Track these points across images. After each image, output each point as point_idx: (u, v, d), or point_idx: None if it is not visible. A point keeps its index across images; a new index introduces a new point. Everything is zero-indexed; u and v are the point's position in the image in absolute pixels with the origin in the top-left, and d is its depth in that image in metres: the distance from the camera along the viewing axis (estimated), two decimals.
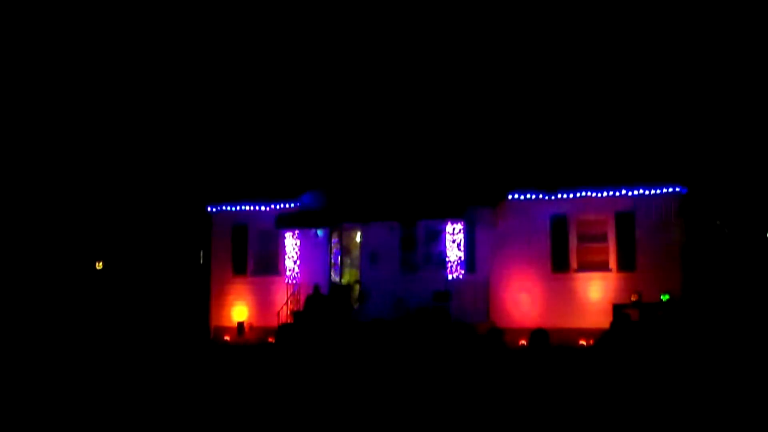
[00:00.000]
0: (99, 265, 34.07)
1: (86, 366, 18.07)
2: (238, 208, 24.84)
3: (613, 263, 21.17)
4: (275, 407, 12.53)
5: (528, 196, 21.82)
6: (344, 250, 23.83)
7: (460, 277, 20.97)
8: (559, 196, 21.61)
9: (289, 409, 12.37)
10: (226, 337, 23.75)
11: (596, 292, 21.08)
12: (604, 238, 21.36)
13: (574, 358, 17.72)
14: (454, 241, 20.95)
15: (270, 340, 22.48)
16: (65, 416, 11.94)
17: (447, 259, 21.03)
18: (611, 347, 18.12)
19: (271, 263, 24.34)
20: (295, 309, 22.45)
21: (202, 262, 29.04)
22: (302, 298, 22.50)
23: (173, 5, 34.59)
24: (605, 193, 21.23)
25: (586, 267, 21.47)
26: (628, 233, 21.02)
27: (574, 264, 21.54)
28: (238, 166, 27.76)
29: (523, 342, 19.61)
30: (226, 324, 24.22)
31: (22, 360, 19.30)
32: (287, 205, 23.97)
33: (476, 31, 29.11)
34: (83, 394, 13.98)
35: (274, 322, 22.74)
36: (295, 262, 22.98)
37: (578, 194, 21.50)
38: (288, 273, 23.05)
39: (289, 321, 22.32)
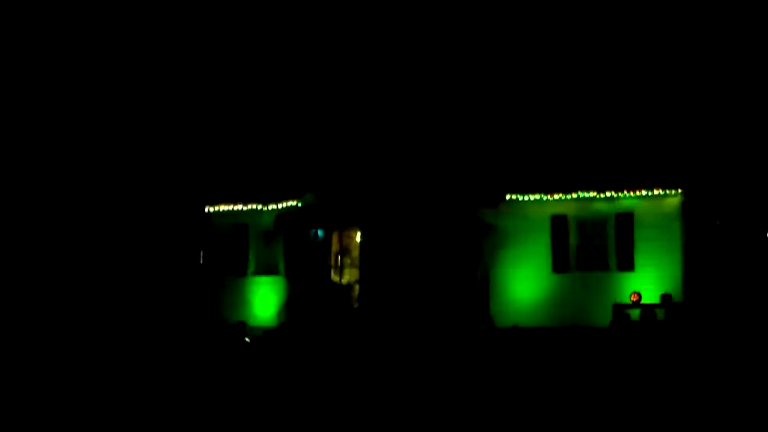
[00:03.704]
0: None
1: (87, 366, 18.08)
2: (238, 208, 24.86)
3: (613, 263, 21.17)
4: (275, 408, 12.54)
5: (528, 196, 21.83)
6: (344, 250, 23.84)
7: (461, 276, 20.99)
8: (560, 196, 21.63)
9: (288, 409, 12.37)
10: (226, 337, 23.72)
11: (596, 292, 21.08)
12: (604, 238, 21.38)
13: (574, 358, 17.73)
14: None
15: (270, 340, 22.46)
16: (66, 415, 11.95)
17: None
18: (611, 347, 18.13)
19: (271, 263, 24.35)
20: (296, 309, 22.46)
21: (202, 262, 29.05)
22: (302, 298, 22.50)
23: (173, 5, 34.61)
24: (605, 193, 21.25)
25: (586, 267, 21.48)
26: (628, 233, 21.03)
27: (574, 264, 21.55)
28: (238, 167, 27.77)
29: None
30: (226, 324, 24.21)
31: (23, 360, 19.31)
32: (287, 205, 23.99)
33: (476, 31, 29.14)
34: (84, 393, 13.99)
35: (274, 323, 22.77)
36: (294, 262, 22.97)
37: (579, 194, 21.51)
38: (288, 273, 23.02)
39: (289, 321, 22.33)
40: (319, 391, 13.89)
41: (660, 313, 19.19)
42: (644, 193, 20.92)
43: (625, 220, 21.09)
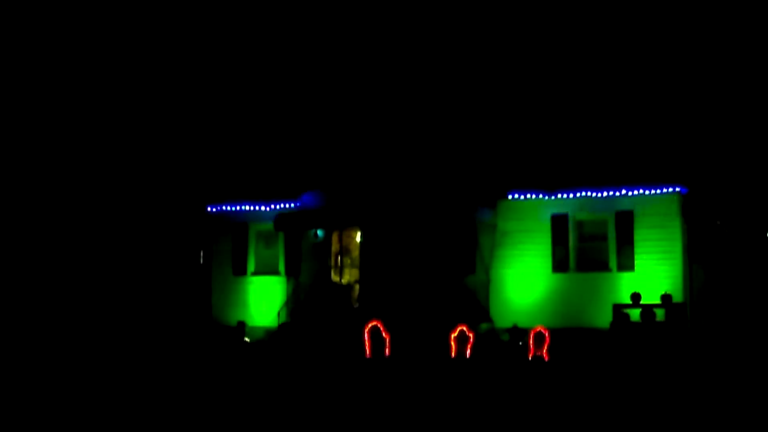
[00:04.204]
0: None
1: (88, 366, 18.07)
2: (238, 208, 24.85)
3: (613, 263, 21.17)
4: (275, 408, 12.53)
5: (528, 195, 21.83)
6: (344, 250, 23.83)
7: (461, 276, 20.99)
8: (560, 195, 21.62)
9: (289, 409, 12.37)
10: (227, 337, 23.71)
11: (596, 292, 21.07)
12: (604, 237, 21.38)
13: (574, 358, 17.73)
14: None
15: (270, 340, 22.47)
16: (67, 414, 11.94)
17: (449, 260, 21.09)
18: (611, 347, 18.13)
19: (271, 263, 24.35)
20: (295, 309, 22.44)
21: (202, 262, 29.07)
22: (302, 299, 22.48)
23: (173, 5, 34.58)
24: (605, 193, 21.24)
25: (586, 267, 21.47)
26: (628, 233, 21.02)
27: (574, 264, 21.54)
28: (238, 166, 27.75)
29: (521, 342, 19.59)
30: (226, 324, 24.22)
31: (23, 359, 19.31)
32: (287, 205, 23.98)
33: (477, 31, 29.11)
34: (85, 393, 13.98)
35: (274, 322, 22.77)
36: (294, 262, 22.95)
37: (578, 194, 21.51)
38: (288, 273, 23.00)
39: (289, 321, 22.32)
40: (320, 392, 13.89)
41: (660, 314, 19.19)
42: (644, 192, 20.89)
43: (625, 220, 21.07)
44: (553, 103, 24.97)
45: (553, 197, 21.67)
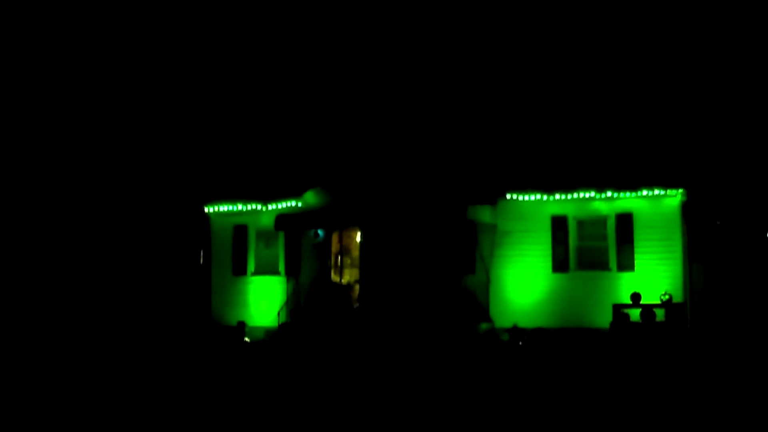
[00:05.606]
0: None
1: (89, 366, 18.07)
2: (238, 208, 24.84)
3: (613, 263, 21.17)
4: (275, 408, 12.53)
5: (528, 195, 21.83)
6: (344, 250, 23.84)
7: (460, 276, 20.99)
8: (560, 195, 21.62)
9: (289, 409, 12.37)
10: (227, 337, 23.71)
11: (596, 292, 21.07)
12: (604, 238, 21.38)
13: (574, 359, 17.73)
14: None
15: (270, 340, 22.48)
16: (67, 414, 11.94)
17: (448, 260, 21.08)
18: (611, 349, 18.14)
19: (271, 263, 24.34)
20: (295, 309, 22.44)
21: (202, 262, 29.06)
22: (302, 299, 22.47)
23: (173, 5, 34.59)
24: (606, 193, 21.24)
25: (586, 267, 21.47)
26: (628, 233, 21.02)
27: (574, 264, 21.54)
28: (238, 166, 27.76)
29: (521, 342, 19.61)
30: (226, 324, 24.24)
31: (24, 359, 19.31)
32: (287, 205, 23.98)
33: (477, 31, 29.12)
34: (85, 394, 13.98)
35: (274, 322, 22.77)
36: (294, 262, 22.96)
37: (578, 194, 21.51)
38: (288, 273, 23.00)
39: (289, 321, 22.33)
40: (321, 392, 13.89)
41: (660, 314, 19.19)
42: (644, 193, 20.90)
43: (625, 220, 21.07)
44: (553, 103, 24.99)
45: (553, 197, 21.67)
